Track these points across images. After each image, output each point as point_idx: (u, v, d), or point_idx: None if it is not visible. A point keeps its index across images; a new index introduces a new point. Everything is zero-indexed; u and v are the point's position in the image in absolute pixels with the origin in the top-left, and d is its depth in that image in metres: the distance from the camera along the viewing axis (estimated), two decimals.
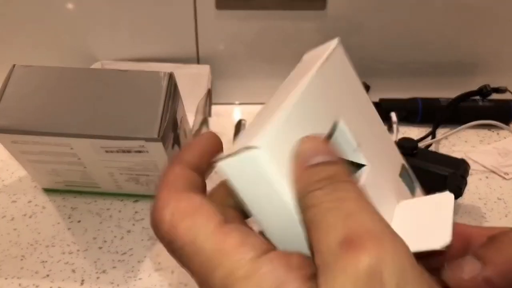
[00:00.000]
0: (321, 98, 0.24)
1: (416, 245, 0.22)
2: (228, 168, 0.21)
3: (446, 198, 0.26)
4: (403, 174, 0.31)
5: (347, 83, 0.28)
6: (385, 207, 0.26)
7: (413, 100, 0.70)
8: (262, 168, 0.20)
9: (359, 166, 0.27)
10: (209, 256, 0.20)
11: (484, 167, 0.64)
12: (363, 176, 0.26)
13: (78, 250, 0.51)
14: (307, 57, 0.30)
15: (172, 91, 0.49)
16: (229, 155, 0.20)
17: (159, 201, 0.22)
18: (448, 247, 0.23)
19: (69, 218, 0.55)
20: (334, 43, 0.28)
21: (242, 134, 0.23)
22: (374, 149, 0.28)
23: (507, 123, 0.68)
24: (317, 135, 0.22)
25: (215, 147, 0.26)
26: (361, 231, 0.18)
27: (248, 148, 0.19)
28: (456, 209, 0.58)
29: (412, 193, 0.32)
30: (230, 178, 0.21)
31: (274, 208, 0.21)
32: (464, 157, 0.56)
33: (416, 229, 0.25)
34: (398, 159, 0.32)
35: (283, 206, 0.20)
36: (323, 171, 0.20)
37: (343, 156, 0.24)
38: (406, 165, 0.32)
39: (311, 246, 0.19)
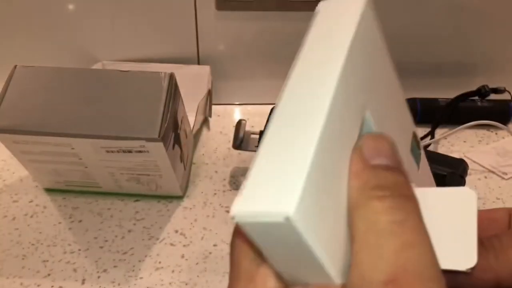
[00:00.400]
0: (350, 94, 0.21)
1: (441, 262, 0.19)
2: (247, 227, 0.17)
3: (468, 197, 0.23)
4: (413, 147, 0.28)
5: (375, 55, 0.24)
6: None
7: (412, 100, 0.70)
8: (294, 235, 0.16)
9: None
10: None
11: (483, 167, 0.64)
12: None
13: (79, 250, 0.51)
14: (323, 9, 0.24)
15: (173, 91, 0.49)
16: (247, 212, 0.16)
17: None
18: (473, 269, 0.21)
19: (70, 217, 0.55)
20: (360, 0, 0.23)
21: (259, 166, 0.18)
22: (393, 129, 0.25)
23: (505, 123, 0.68)
24: (382, 134, 0.20)
25: None
26: (410, 273, 0.17)
27: (276, 214, 0.16)
28: None
29: (418, 163, 0.29)
30: (249, 235, 0.18)
31: (303, 266, 0.18)
32: (463, 157, 0.56)
33: (438, 239, 0.21)
34: (411, 128, 0.29)
35: (316, 265, 0.18)
36: (386, 177, 0.19)
37: None
38: (416, 132, 0.29)
39: (352, 258, 0.18)
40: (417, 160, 0.29)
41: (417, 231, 0.18)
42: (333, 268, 0.18)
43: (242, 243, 0.19)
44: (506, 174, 0.63)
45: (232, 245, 0.20)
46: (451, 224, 0.23)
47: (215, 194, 0.59)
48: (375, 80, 0.24)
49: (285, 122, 0.19)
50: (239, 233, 0.20)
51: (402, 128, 0.28)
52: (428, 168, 0.33)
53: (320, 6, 0.24)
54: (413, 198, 0.19)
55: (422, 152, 0.31)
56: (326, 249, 0.17)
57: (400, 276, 0.16)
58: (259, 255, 0.19)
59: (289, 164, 0.17)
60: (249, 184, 0.18)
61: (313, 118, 0.18)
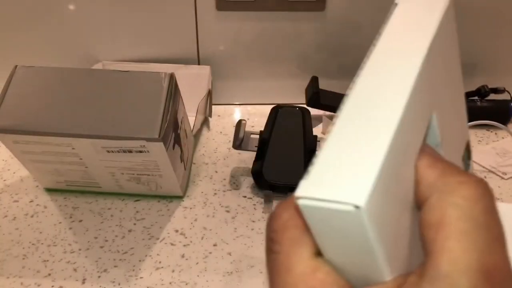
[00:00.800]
0: (424, 92, 0.20)
1: None
2: (310, 211, 0.17)
3: None
4: (464, 156, 0.28)
5: (450, 55, 0.23)
6: None
7: None
8: (359, 227, 0.16)
9: None
10: (295, 280, 0.19)
11: (483, 167, 0.64)
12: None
13: (79, 250, 0.51)
14: (402, 1, 0.24)
15: (173, 91, 0.49)
16: (315, 197, 0.16)
17: (286, 202, 0.21)
18: None
19: (71, 217, 0.55)
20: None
21: (331, 149, 0.17)
22: (452, 135, 0.24)
23: (505, 124, 0.68)
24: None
25: None
26: (499, 270, 0.17)
27: (346, 203, 0.16)
28: None
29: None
30: (308, 220, 0.17)
31: (358, 259, 0.18)
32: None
33: None
34: (465, 137, 0.28)
35: (372, 260, 0.18)
36: (461, 169, 0.19)
37: None
38: (469, 142, 0.29)
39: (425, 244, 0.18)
40: (466, 170, 0.28)
41: (501, 225, 0.18)
42: (387, 264, 0.18)
43: (299, 236, 0.19)
44: (505, 174, 0.63)
45: (280, 236, 0.20)
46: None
47: (215, 194, 0.59)
48: (446, 81, 0.23)
49: (361, 110, 0.18)
50: (293, 225, 0.19)
51: (459, 134, 0.27)
52: None
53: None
54: (495, 199, 0.19)
55: (471, 162, 0.30)
56: (386, 245, 0.17)
57: (491, 269, 0.16)
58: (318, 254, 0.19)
59: (364, 154, 0.17)
60: (319, 167, 0.17)
61: (391, 112, 0.18)
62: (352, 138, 0.17)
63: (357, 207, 0.15)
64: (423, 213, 0.18)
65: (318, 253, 0.19)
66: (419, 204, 0.19)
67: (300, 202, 0.16)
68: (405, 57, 0.20)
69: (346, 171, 0.16)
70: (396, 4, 0.23)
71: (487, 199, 0.18)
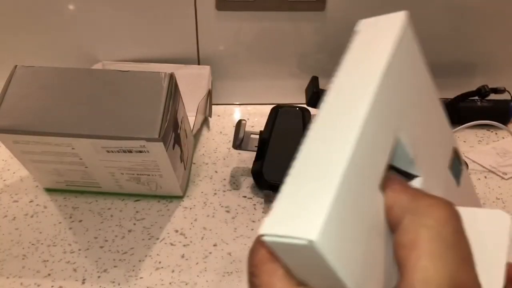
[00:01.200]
0: (383, 117, 0.21)
1: None
2: (275, 246, 0.18)
3: (501, 220, 0.23)
4: (453, 162, 0.28)
5: (413, 73, 0.24)
6: None
7: None
8: (317, 257, 0.17)
9: (412, 176, 0.24)
10: None
11: (483, 167, 0.64)
12: (416, 186, 0.24)
13: (79, 250, 0.51)
14: (363, 28, 0.25)
15: (173, 91, 0.49)
16: (276, 234, 0.18)
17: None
18: None
19: (71, 217, 0.55)
20: (400, 19, 0.23)
21: (290, 187, 0.19)
22: (430, 148, 0.25)
23: (505, 123, 0.68)
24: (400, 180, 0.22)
25: None
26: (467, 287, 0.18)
27: (300, 237, 0.17)
28: None
29: (458, 179, 0.29)
30: (277, 253, 0.19)
31: (329, 284, 0.19)
32: (463, 157, 0.56)
33: None
34: (450, 144, 0.29)
35: (339, 283, 0.19)
36: (430, 194, 0.20)
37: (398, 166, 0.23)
38: (457, 148, 0.29)
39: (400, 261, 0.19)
40: (457, 176, 0.29)
41: (469, 245, 0.19)
42: (354, 285, 0.19)
43: (275, 268, 0.20)
44: (506, 174, 0.63)
45: (259, 270, 0.21)
46: (482, 247, 0.23)
47: (215, 194, 0.59)
48: (413, 99, 0.24)
49: (316, 145, 0.20)
50: (268, 259, 0.20)
51: (441, 145, 0.27)
52: (471, 183, 0.33)
53: (361, 25, 0.25)
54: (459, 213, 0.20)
55: (464, 168, 0.30)
56: (351, 270, 0.18)
57: (462, 287, 0.18)
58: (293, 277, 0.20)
59: (318, 189, 0.18)
60: (279, 204, 0.19)
61: (343, 143, 0.19)
62: (309, 173, 0.19)
63: (310, 241, 0.17)
64: (397, 235, 0.20)
65: (301, 283, 0.20)
66: (392, 228, 0.20)
67: (264, 238, 0.18)
68: (359, 88, 0.21)
69: (302, 207, 0.18)
70: (357, 32, 0.24)
71: (455, 220, 0.19)
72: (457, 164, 0.29)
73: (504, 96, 0.69)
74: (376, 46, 0.22)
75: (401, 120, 0.22)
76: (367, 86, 0.21)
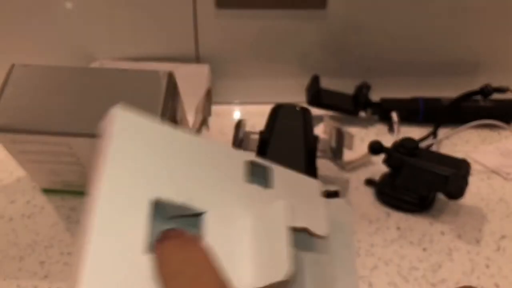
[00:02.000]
0: (122, 200, 0.26)
1: (255, 281, 0.24)
2: None
3: (279, 212, 0.27)
4: (251, 173, 0.31)
5: (145, 142, 0.30)
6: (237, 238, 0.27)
7: (414, 99, 0.70)
8: None
9: (198, 214, 0.27)
10: None
11: (486, 167, 0.64)
12: (207, 221, 0.27)
13: None
14: (104, 130, 0.30)
15: (172, 90, 0.49)
16: None
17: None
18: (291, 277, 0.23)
19: (68, 218, 0.55)
20: (113, 119, 0.29)
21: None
22: (209, 183, 0.28)
23: (508, 123, 0.68)
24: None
25: None
26: None
27: None
28: (457, 210, 0.58)
29: (265, 184, 0.31)
30: None
31: None
32: (466, 157, 0.56)
33: (249, 260, 0.25)
34: (239, 161, 0.31)
35: None
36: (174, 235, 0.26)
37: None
38: (252, 158, 0.32)
39: None
40: (263, 181, 0.32)
41: (206, 264, 0.23)
42: None
43: None
44: (509, 174, 0.62)
45: None
46: (262, 241, 0.26)
47: None
48: (156, 159, 0.29)
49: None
50: None
51: (222, 168, 0.30)
52: (299, 176, 0.35)
53: (103, 127, 0.30)
54: (195, 238, 0.25)
55: (277, 166, 0.33)
56: None
57: None
58: None
59: (76, 267, 0.22)
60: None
61: (86, 230, 0.24)
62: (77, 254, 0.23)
63: None
64: None
65: None
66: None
67: None
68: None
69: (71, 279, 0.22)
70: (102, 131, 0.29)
71: (179, 253, 0.24)
72: (257, 172, 0.32)
73: (507, 96, 0.69)
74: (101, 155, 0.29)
75: (153, 184, 0.26)
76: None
